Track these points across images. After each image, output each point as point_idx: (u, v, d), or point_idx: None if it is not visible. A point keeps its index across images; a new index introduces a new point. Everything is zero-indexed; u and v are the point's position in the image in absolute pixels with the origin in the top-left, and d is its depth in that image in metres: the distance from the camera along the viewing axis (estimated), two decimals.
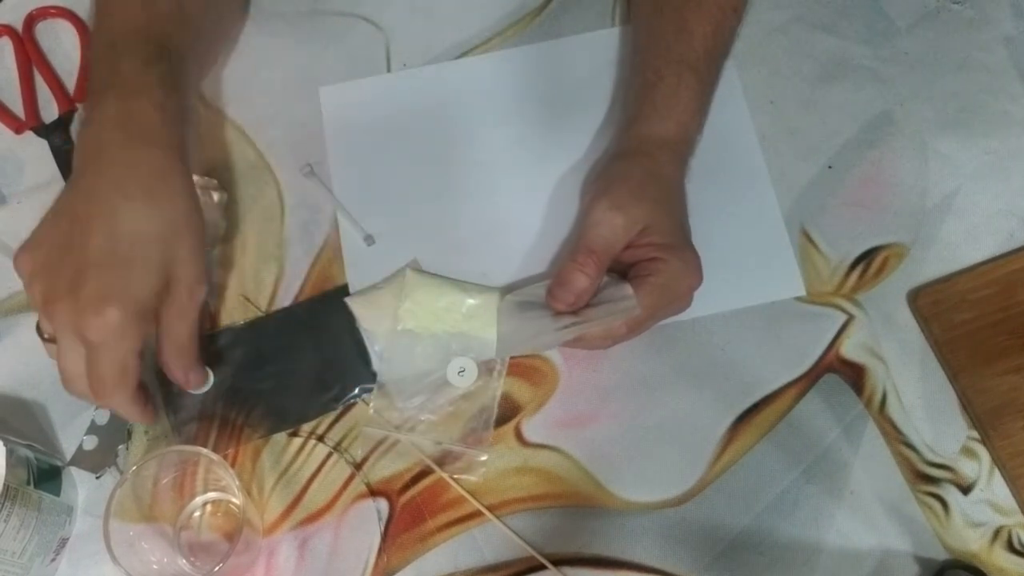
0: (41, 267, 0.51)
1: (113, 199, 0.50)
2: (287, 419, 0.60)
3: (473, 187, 0.65)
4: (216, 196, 0.63)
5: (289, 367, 0.61)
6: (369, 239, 0.64)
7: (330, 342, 0.62)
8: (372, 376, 0.60)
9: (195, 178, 0.63)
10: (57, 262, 0.50)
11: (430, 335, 0.60)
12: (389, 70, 0.69)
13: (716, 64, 0.62)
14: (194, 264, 0.52)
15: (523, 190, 0.65)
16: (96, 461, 0.59)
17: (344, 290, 0.63)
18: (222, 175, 0.65)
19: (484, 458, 0.58)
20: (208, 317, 0.62)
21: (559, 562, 0.57)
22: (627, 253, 0.57)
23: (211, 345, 0.61)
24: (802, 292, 0.62)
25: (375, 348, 0.61)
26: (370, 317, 0.61)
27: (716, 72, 0.62)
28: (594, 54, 0.69)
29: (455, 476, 0.58)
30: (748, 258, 0.63)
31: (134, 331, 0.49)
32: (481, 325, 0.60)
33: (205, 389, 0.59)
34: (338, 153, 0.66)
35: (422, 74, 0.69)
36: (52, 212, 0.52)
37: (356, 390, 0.60)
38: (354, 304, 0.62)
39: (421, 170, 0.66)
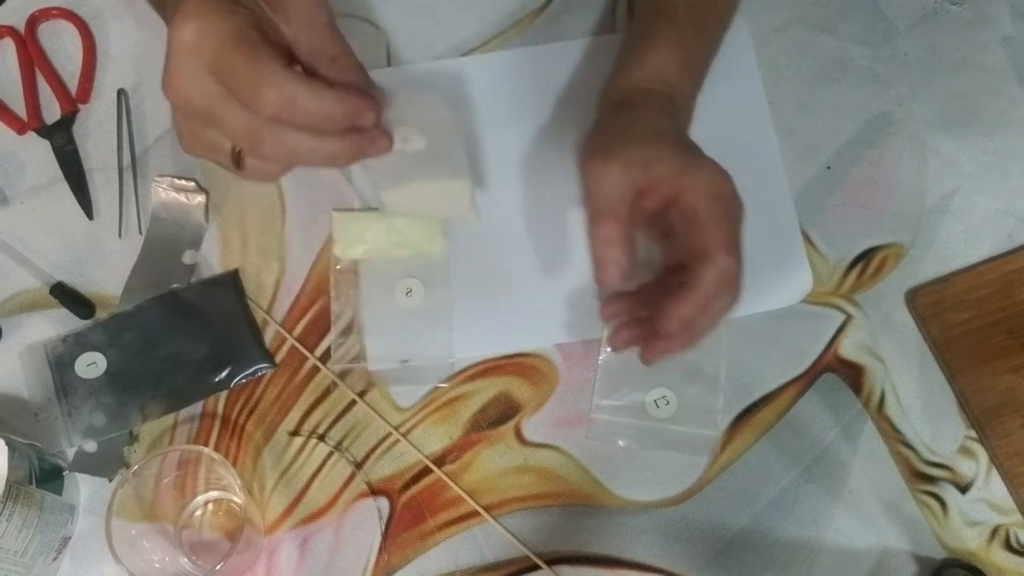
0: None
1: None
2: (180, 400, 0.60)
3: (492, 179, 0.65)
4: (196, 199, 0.64)
5: (179, 350, 0.61)
6: None
7: (221, 325, 0.61)
8: (265, 356, 0.61)
9: (172, 180, 0.64)
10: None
11: (379, 261, 0.62)
12: None
13: (700, 18, 0.59)
14: None
15: (538, 187, 0.65)
16: (100, 464, 0.59)
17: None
18: (223, 176, 0.65)
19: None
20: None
21: (558, 561, 0.57)
22: (647, 200, 0.52)
23: (103, 332, 0.61)
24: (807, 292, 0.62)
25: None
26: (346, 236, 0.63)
27: (701, 26, 0.59)
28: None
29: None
30: (763, 265, 0.61)
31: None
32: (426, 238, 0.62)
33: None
34: None
35: (458, 64, 0.68)
36: None
37: (250, 370, 0.61)
38: (336, 215, 0.63)
39: None
